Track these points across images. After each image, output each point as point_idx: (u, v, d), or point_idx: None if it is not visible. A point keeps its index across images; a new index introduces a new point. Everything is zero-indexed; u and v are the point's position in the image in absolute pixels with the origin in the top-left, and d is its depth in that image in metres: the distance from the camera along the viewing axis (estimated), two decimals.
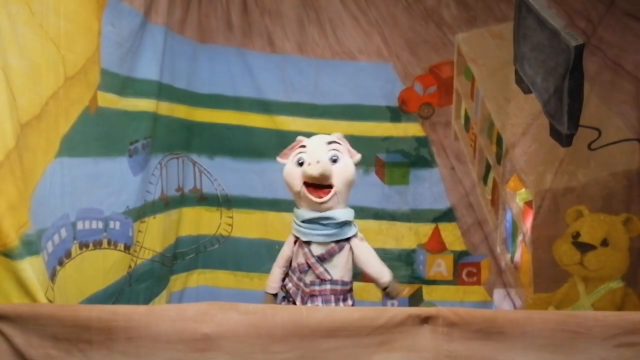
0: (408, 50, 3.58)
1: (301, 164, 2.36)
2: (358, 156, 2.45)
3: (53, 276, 2.14)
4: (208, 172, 3.64)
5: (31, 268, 1.88)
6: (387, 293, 2.44)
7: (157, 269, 3.21)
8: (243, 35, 3.59)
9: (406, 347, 1.80)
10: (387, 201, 3.63)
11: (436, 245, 3.62)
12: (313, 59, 3.59)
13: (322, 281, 2.34)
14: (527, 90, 3.37)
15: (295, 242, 2.44)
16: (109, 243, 2.64)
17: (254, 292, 3.21)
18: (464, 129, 3.62)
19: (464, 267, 3.62)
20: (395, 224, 3.63)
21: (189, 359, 1.76)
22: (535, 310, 3.08)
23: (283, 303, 2.48)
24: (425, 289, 3.64)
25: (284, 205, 3.08)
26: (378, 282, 2.42)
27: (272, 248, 3.23)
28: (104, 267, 2.61)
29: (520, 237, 3.43)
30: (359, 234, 2.44)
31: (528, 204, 3.39)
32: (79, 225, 2.39)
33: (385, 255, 3.56)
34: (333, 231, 2.35)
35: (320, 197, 2.33)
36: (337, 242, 2.36)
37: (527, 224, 3.38)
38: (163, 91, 3.10)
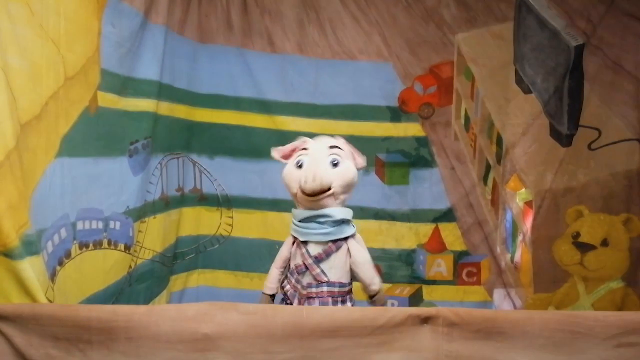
0: (408, 50, 3.58)
1: (300, 166, 2.35)
2: (362, 160, 2.44)
3: (53, 276, 2.14)
4: (208, 172, 3.64)
5: (31, 268, 1.88)
6: (373, 301, 2.41)
7: (157, 269, 3.21)
8: (243, 35, 3.59)
9: (406, 347, 1.79)
10: (387, 201, 3.63)
11: (436, 245, 3.62)
12: (313, 59, 3.59)
13: (319, 283, 2.33)
14: (527, 90, 3.37)
15: (293, 243, 2.43)
16: (109, 243, 2.64)
17: (254, 292, 3.19)
18: (464, 129, 3.62)
19: (464, 267, 3.62)
20: (395, 224, 3.63)
21: (189, 359, 1.76)
22: (535, 310, 3.08)
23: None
24: (425, 289, 3.64)
25: (284, 205, 3.07)
26: (367, 288, 2.40)
27: (272, 248, 3.21)
28: (104, 267, 2.61)
29: (520, 237, 3.43)
30: (358, 235, 2.42)
31: (528, 204, 3.39)
32: (79, 225, 2.39)
33: (385, 255, 3.60)
34: (330, 230, 2.34)
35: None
36: (334, 241, 2.35)
37: (527, 224, 3.38)
38: (163, 91, 3.10)
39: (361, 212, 3.20)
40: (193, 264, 3.63)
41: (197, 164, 3.63)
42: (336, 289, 2.34)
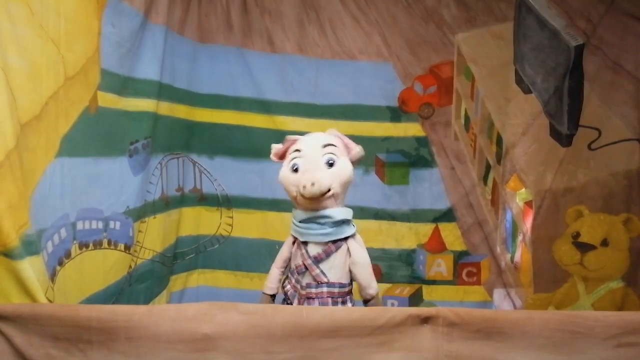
0: (408, 50, 3.58)
1: (295, 170, 2.32)
2: (357, 150, 2.38)
3: (53, 276, 2.14)
4: (208, 172, 3.64)
5: (31, 268, 1.88)
6: (367, 305, 2.38)
7: (157, 269, 3.21)
8: (243, 35, 3.59)
9: (406, 347, 1.79)
10: (387, 201, 3.63)
11: (436, 245, 3.62)
12: (313, 59, 3.59)
13: (319, 284, 2.31)
14: (527, 90, 3.37)
15: (293, 243, 2.43)
16: (109, 243, 2.64)
17: (254, 292, 3.19)
18: (464, 129, 3.62)
19: (464, 267, 3.62)
20: (395, 224, 3.63)
21: (189, 359, 1.76)
22: (535, 310, 3.08)
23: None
24: (425, 289, 3.64)
25: (284, 205, 3.07)
26: (364, 291, 2.36)
27: (272, 248, 3.22)
28: (104, 267, 2.61)
29: (520, 237, 3.43)
30: (358, 236, 2.40)
31: (528, 204, 3.39)
32: (79, 225, 2.39)
33: (385, 255, 3.60)
34: (329, 230, 2.32)
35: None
36: (334, 242, 2.33)
37: (527, 224, 3.38)
38: (163, 91, 3.10)
39: (361, 212, 3.20)
40: (193, 264, 3.63)
41: (197, 164, 3.63)
42: (336, 290, 2.32)
